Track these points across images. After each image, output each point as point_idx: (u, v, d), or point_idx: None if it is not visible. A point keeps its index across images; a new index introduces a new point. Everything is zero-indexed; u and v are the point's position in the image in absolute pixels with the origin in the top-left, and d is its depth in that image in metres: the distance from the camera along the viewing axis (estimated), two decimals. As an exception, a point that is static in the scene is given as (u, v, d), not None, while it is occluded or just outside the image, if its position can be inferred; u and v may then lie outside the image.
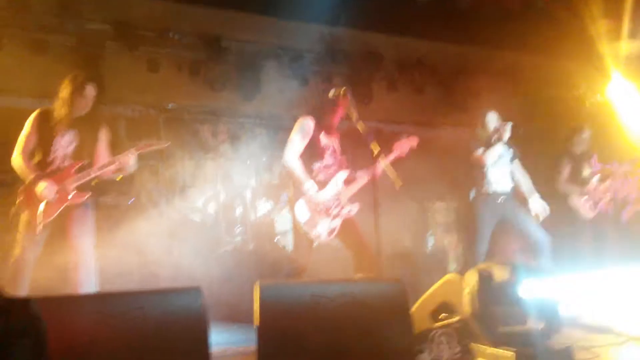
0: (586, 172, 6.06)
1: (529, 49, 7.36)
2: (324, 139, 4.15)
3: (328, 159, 4.16)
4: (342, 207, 4.09)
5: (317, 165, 4.12)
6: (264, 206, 6.74)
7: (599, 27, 6.70)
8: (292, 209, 4.07)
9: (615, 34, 6.92)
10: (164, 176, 6.33)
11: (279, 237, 6.39)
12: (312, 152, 4.11)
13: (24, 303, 1.96)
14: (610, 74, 7.78)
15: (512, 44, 7.07)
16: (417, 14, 6.89)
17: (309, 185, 3.97)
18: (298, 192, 4.04)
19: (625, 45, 7.14)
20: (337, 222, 4.06)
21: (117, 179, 5.50)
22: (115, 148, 4.23)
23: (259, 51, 7.48)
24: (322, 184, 4.09)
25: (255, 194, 6.70)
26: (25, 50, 6.24)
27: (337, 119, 4.21)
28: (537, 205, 5.10)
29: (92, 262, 3.86)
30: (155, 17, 6.76)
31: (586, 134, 6.17)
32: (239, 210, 6.61)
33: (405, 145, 4.37)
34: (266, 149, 7.01)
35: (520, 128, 5.46)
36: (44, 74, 5.80)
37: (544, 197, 5.23)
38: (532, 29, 6.54)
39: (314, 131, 4.10)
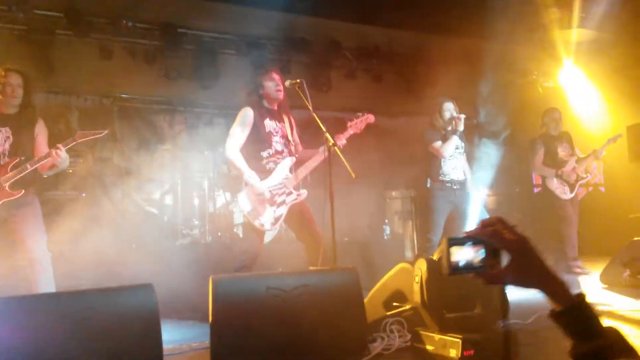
0: (561, 153, 6.16)
1: (484, 36, 7.47)
2: (269, 124, 4.13)
3: (277, 145, 4.13)
4: (288, 194, 4.09)
5: (265, 153, 4.10)
6: (222, 197, 6.70)
7: (551, 14, 6.86)
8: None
9: (567, 22, 7.09)
10: (119, 168, 6.20)
11: (237, 228, 6.36)
12: (257, 139, 4.09)
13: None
14: (562, 60, 8.01)
15: (467, 31, 7.16)
16: (374, 1, 6.89)
17: (249, 175, 3.98)
18: (241, 183, 4.06)
19: (576, 33, 7.33)
20: (283, 210, 4.05)
21: (69, 172, 5.38)
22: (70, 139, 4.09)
23: (217, 39, 7.39)
24: (271, 172, 4.09)
25: (213, 185, 6.64)
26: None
27: (280, 102, 4.20)
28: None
29: (48, 259, 3.77)
30: (108, 3, 6.57)
31: (558, 115, 6.25)
32: (196, 202, 6.55)
33: (360, 122, 4.24)
34: (224, 139, 6.92)
35: (474, 119, 5.55)
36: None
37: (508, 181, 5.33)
38: (487, 15, 6.64)
39: (256, 119, 4.08)
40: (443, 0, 6.74)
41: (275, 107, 4.24)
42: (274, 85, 4.14)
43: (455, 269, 1.15)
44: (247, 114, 4.10)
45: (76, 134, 3.89)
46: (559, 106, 6.72)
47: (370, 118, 4.30)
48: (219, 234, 6.40)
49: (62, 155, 3.74)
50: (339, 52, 7.99)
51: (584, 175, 6.14)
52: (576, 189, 6.10)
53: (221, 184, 6.68)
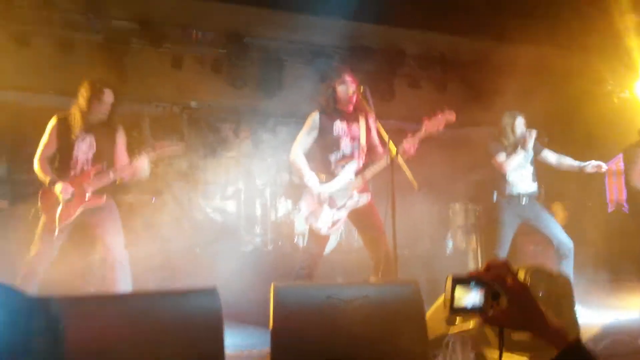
0: None
1: (555, 44, 7.20)
2: (339, 127, 4.11)
3: (346, 149, 4.10)
4: (350, 198, 4.05)
5: (333, 157, 4.09)
6: (284, 206, 6.76)
7: (627, 22, 6.51)
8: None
9: (643, 29, 6.72)
10: (186, 174, 6.39)
11: (298, 237, 6.39)
12: (326, 143, 4.10)
13: (45, 303, 2.01)
14: (639, 70, 7.59)
15: (538, 39, 6.92)
16: (440, 7, 6.79)
17: (308, 177, 3.99)
18: (303, 190, 4.08)
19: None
20: (342, 214, 4.02)
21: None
22: (141, 145, 4.28)
23: (281, 47, 7.50)
24: (335, 176, 4.07)
25: (275, 193, 6.71)
26: (51, 48, 6.38)
27: (351, 104, 4.15)
28: (594, 165, 4.92)
29: (126, 261, 3.96)
30: (179, 14, 6.81)
31: None
32: (259, 210, 6.64)
33: (438, 121, 3.97)
34: (288, 147, 7.00)
35: (545, 136, 5.31)
36: (71, 71, 5.92)
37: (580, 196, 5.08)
38: (558, 23, 6.40)
39: (324, 122, 4.09)
40: (511, 6, 6.55)
41: (350, 109, 4.20)
42: (346, 88, 4.13)
43: (455, 308, 1.22)
44: (314, 119, 4.13)
45: (155, 144, 4.06)
46: (635, 118, 6.33)
47: (451, 116, 4.02)
48: (280, 242, 6.46)
49: (144, 165, 3.92)
50: (403, 60, 7.91)
51: None
52: None
53: (283, 192, 6.76)
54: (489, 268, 1.23)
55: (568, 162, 5.13)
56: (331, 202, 4.02)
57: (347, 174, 4.08)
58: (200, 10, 6.77)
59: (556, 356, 1.15)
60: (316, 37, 7.40)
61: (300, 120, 4.30)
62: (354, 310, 2.91)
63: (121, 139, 4.23)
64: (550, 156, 5.17)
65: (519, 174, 5.06)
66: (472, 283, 1.21)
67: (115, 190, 4.20)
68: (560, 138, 7.32)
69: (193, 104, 7.23)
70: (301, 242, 6.32)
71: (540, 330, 1.18)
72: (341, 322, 2.86)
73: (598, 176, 7.39)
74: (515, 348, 2.86)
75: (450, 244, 6.97)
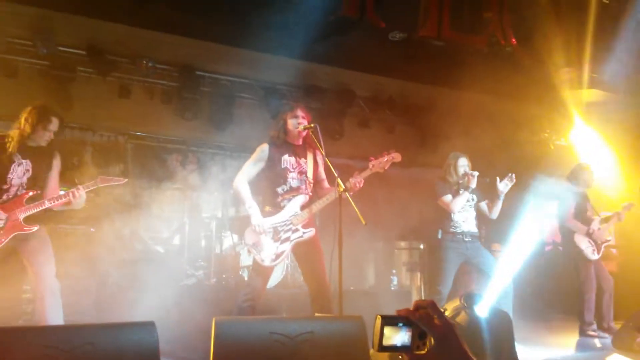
0: (589, 211, 5.98)
1: (497, 93, 7.56)
2: (287, 160, 4.12)
3: (293, 182, 4.10)
4: (294, 232, 4.04)
5: (280, 189, 4.08)
6: (229, 239, 6.65)
7: (562, 74, 6.93)
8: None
9: (577, 82, 7.15)
10: (129, 205, 6.20)
11: (243, 270, 6.28)
12: (273, 175, 4.10)
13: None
14: (574, 120, 8.06)
15: (482, 88, 7.26)
16: (390, 53, 7.03)
17: (249, 206, 3.97)
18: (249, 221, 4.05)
19: (587, 93, 7.39)
20: (286, 247, 4.00)
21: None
22: (82, 174, 4.15)
23: (233, 82, 7.53)
24: (282, 209, 4.06)
25: (221, 227, 6.61)
26: (-7, 71, 6.16)
27: (300, 138, 4.18)
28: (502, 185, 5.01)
29: (57, 290, 3.76)
30: (129, 43, 6.74)
31: (590, 171, 6.07)
32: (203, 243, 6.50)
33: (385, 162, 4.08)
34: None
35: (487, 177, 5.50)
36: (13, 97, 5.72)
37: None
38: (500, 74, 6.74)
39: (273, 154, 4.10)
40: (457, 56, 6.86)
41: (300, 143, 4.24)
42: (296, 121, 4.16)
43: (384, 346, 1.24)
44: (263, 150, 4.15)
45: (99, 178, 3.93)
46: (571, 164, 6.65)
47: (397, 157, 4.14)
48: (224, 275, 6.32)
49: (82, 196, 3.79)
50: (353, 100, 8.10)
51: (609, 238, 5.94)
52: (601, 251, 5.83)
53: (229, 225, 6.65)
54: (417, 308, 1.25)
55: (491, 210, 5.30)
56: (275, 234, 4.00)
57: (293, 207, 4.07)
58: (151, 41, 6.72)
59: None
60: (268, 74, 7.47)
61: (249, 154, 4.28)
62: (298, 345, 2.85)
63: (56, 165, 4.07)
64: (484, 207, 5.34)
65: (463, 215, 5.21)
66: (400, 324, 1.24)
67: (50, 218, 4.02)
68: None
69: (139, 133, 7.08)
70: (246, 275, 6.22)
71: None
72: (284, 357, 2.80)
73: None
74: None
75: (395, 280, 7.01)
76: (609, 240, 5.95)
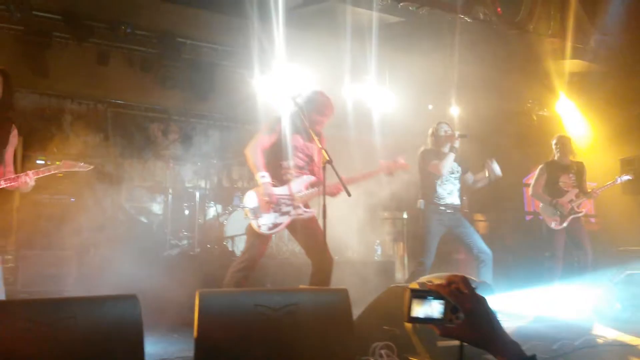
0: (562, 183, 6.03)
1: (483, 64, 7.53)
2: (297, 141, 4.12)
3: (299, 161, 4.12)
4: (295, 208, 4.06)
5: (285, 164, 4.09)
6: (213, 209, 6.61)
7: (545, 45, 6.90)
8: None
9: (561, 53, 7.13)
10: (110, 175, 6.11)
11: (227, 241, 6.26)
12: (281, 150, 4.08)
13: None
14: (557, 91, 8.08)
15: (464, 57, 7.21)
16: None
17: (262, 175, 3.96)
18: (233, 195, 4.04)
19: (570, 64, 7.38)
20: (284, 219, 4.02)
21: (59, 175, 5.28)
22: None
23: (215, 50, 7.36)
24: (286, 183, 4.07)
25: (205, 197, 6.56)
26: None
27: (317, 127, 4.11)
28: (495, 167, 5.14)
29: None
30: (107, 8, 6.52)
31: (567, 143, 6.11)
32: (187, 213, 6.45)
33: (394, 165, 4.28)
34: (218, 151, 6.88)
35: (467, 135, 5.51)
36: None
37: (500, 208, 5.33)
38: (484, 46, 6.72)
39: (285, 128, 4.07)
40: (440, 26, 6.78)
41: (317, 129, 4.13)
42: (323, 111, 4.13)
43: (412, 317, 1.30)
44: (277, 122, 4.09)
45: (63, 162, 3.66)
46: (554, 136, 6.66)
47: (405, 166, 4.34)
48: (208, 245, 6.31)
49: (29, 183, 3.46)
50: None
51: (578, 210, 6.01)
52: (567, 221, 5.89)
53: (213, 195, 6.60)
54: (449, 283, 1.28)
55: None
56: (277, 205, 4.00)
57: (300, 184, 4.08)
58: (130, 5, 6.50)
59: None
60: (250, 41, 7.31)
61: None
62: (282, 317, 2.87)
63: (12, 141, 3.62)
64: (470, 179, 5.40)
65: (448, 188, 5.25)
66: (431, 297, 1.29)
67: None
68: (483, 151, 7.64)
69: (119, 102, 6.92)
70: (230, 245, 6.21)
71: (496, 345, 1.22)
72: (268, 329, 2.81)
73: (517, 189, 7.77)
74: (440, 358, 2.91)
75: (379, 250, 7.08)
76: (578, 213, 5.97)
